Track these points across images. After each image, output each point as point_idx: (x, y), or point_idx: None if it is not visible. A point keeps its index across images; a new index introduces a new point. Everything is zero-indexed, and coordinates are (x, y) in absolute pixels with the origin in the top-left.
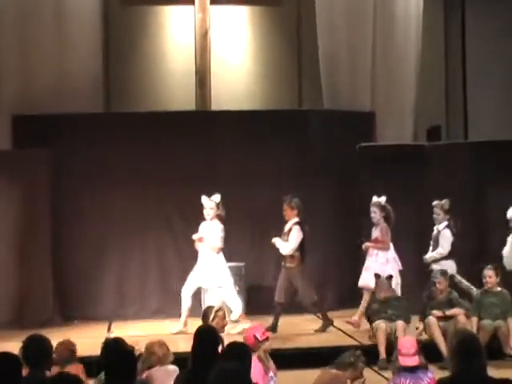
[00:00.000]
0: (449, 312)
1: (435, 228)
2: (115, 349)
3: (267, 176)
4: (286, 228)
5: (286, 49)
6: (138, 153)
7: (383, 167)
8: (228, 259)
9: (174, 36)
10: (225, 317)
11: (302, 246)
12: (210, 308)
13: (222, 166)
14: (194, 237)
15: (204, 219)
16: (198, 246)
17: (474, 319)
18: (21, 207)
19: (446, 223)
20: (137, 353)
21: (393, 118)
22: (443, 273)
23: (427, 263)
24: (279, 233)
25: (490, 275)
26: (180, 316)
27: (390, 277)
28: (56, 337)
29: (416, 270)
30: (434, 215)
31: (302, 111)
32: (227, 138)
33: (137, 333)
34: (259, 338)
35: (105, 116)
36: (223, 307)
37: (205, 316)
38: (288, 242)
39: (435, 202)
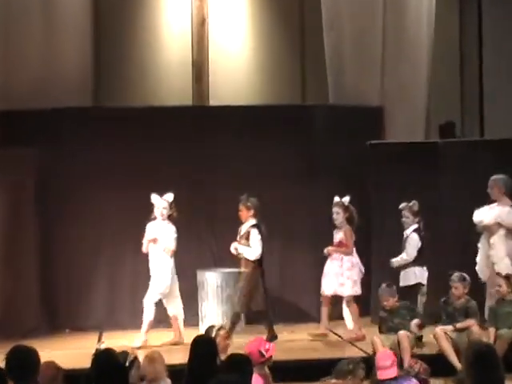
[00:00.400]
0: (460, 324)
1: (404, 233)
2: (106, 361)
3: (268, 176)
4: (243, 230)
5: (289, 39)
6: (130, 150)
7: (393, 166)
8: (224, 265)
9: (169, 26)
10: (227, 336)
11: None
12: (211, 328)
13: (219, 164)
14: (147, 238)
15: (150, 220)
16: (149, 248)
17: (492, 330)
18: (5, 209)
19: (414, 227)
20: (131, 357)
21: (403, 113)
22: (462, 278)
23: (394, 268)
24: (279, 236)
25: (500, 284)
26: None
27: (390, 284)
28: (42, 347)
29: (432, 275)
30: (403, 218)
31: (306, 106)
32: (226, 135)
33: (129, 343)
34: (265, 354)
35: (94, 111)
36: (225, 326)
37: None
38: (252, 247)
39: (403, 205)
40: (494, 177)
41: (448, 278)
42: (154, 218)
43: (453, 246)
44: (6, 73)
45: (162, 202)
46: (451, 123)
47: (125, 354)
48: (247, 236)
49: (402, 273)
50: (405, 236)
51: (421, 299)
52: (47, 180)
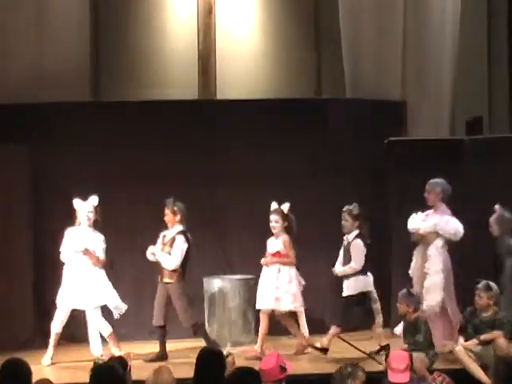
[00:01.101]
0: (484, 337)
1: (345, 238)
2: (105, 375)
3: (280, 174)
4: (168, 237)
5: (303, 29)
6: (131, 148)
7: (415, 164)
8: (233, 271)
9: (174, 15)
10: (234, 362)
11: (185, 259)
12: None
13: (227, 162)
14: (77, 248)
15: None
16: (71, 257)
17: None
18: None
19: (356, 232)
20: (130, 363)
21: (427, 107)
22: (486, 287)
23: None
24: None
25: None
26: (180, 337)
27: (410, 292)
28: (37, 361)
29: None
30: (343, 222)
31: (321, 100)
32: (234, 131)
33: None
34: (287, 368)
35: (92, 105)
36: (232, 352)
37: None
38: (172, 255)
39: (345, 208)
40: (432, 181)
41: (475, 286)
42: (78, 224)
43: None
44: None
45: (86, 206)
46: (479, 118)
47: (123, 360)
48: (172, 243)
49: (346, 282)
50: (345, 241)
51: (376, 307)
52: (40, 179)
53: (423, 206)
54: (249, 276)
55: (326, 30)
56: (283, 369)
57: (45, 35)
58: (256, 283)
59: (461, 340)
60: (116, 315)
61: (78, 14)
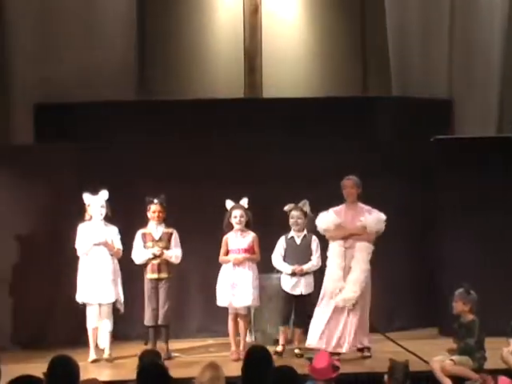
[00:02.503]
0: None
1: (295, 235)
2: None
3: (326, 173)
4: (159, 233)
5: (349, 26)
6: (176, 147)
7: (462, 163)
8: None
9: (219, 14)
10: None
11: None
12: None
13: (273, 161)
14: (96, 241)
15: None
16: (89, 252)
17: None
18: (44, 206)
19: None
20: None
21: (474, 105)
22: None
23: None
24: None
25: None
26: (224, 335)
27: (468, 290)
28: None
29: (497, 285)
30: (294, 219)
31: (368, 98)
32: (280, 130)
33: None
34: (339, 366)
35: (138, 104)
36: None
37: None
38: (176, 250)
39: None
40: (350, 177)
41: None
42: (89, 219)
43: None
44: (46, 65)
45: (98, 201)
46: None
47: (158, 354)
48: (169, 238)
49: (303, 279)
50: (298, 239)
51: None
52: (88, 177)
53: (471, 203)
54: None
55: (372, 28)
56: (336, 367)
57: (93, 36)
58: None
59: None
60: (122, 310)
61: (124, 13)
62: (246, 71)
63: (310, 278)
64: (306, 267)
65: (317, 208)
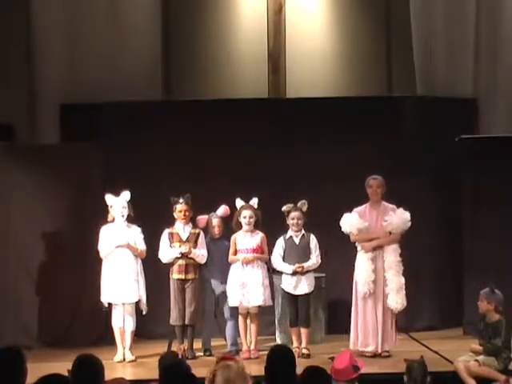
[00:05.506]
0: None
1: (293, 234)
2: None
3: (350, 174)
4: (187, 232)
5: (373, 25)
6: (201, 146)
7: (488, 163)
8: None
9: (243, 14)
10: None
11: None
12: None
13: (298, 161)
14: (119, 242)
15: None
16: (112, 253)
17: None
18: (70, 206)
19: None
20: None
21: (499, 105)
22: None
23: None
24: None
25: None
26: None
27: (493, 289)
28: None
29: None
30: (294, 220)
31: (392, 98)
32: (304, 130)
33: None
34: (360, 367)
35: (163, 104)
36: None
37: None
38: (202, 251)
39: (289, 206)
40: (375, 176)
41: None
42: (112, 221)
43: None
44: (72, 66)
45: (120, 202)
46: None
47: (175, 354)
48: (196, 239)
49: (304, 278)
50: (297, 239)
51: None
52: (113, 176)
53: (498, 203)
54: (321, 274)
55: (397, 27)
56: (356, 368)
57: (117, 37)
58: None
59: None
60: (145, 311)
61: (150, 14)
62: (270, 71)
63: (311, 277)
64: (306, 265)
65: (347, 208)
